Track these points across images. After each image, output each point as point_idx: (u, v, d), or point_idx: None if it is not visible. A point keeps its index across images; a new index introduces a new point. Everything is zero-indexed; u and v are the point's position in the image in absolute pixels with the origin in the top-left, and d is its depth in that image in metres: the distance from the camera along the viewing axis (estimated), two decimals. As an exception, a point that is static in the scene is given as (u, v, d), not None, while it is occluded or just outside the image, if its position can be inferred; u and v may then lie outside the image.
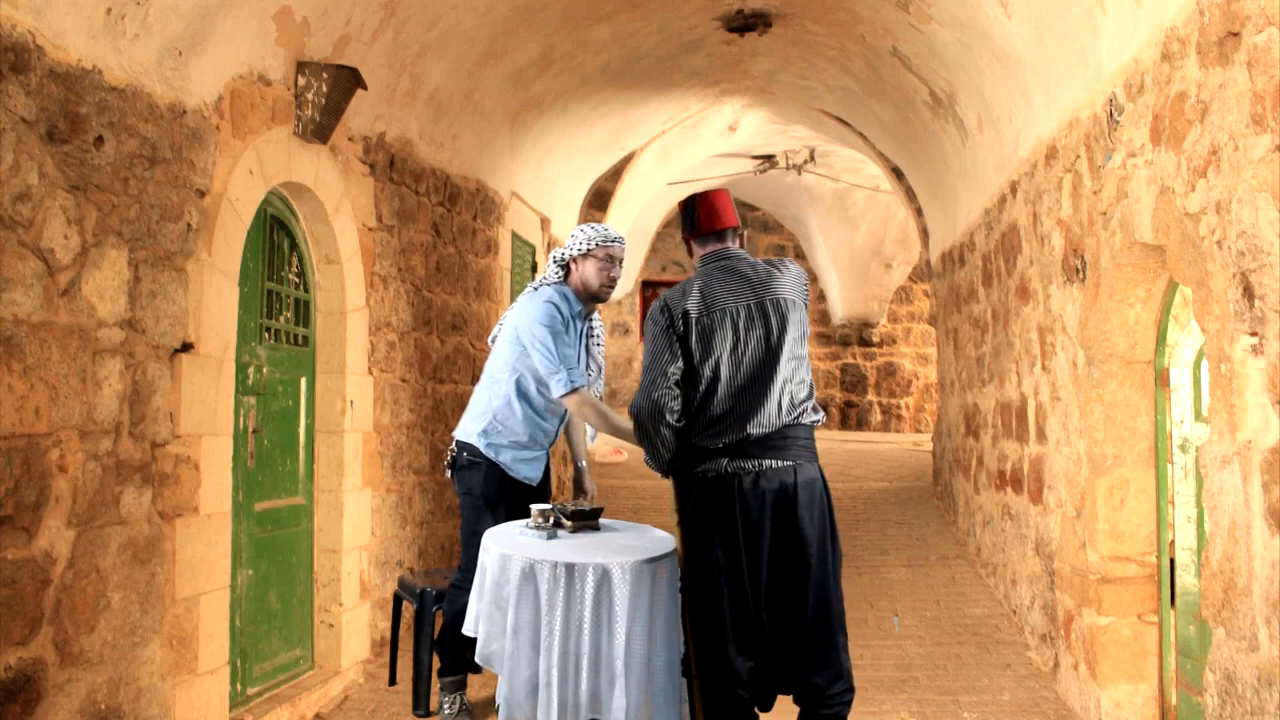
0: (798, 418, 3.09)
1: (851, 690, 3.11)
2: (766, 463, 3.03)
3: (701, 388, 3.05)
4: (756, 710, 3.14)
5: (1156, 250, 3.48)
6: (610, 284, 3.89)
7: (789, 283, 3.14)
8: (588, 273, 3.86)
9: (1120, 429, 3.85)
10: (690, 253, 3.29)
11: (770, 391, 3.05)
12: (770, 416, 3.04)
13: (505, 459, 3.89)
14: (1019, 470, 5.16)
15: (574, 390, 3.65)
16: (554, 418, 3.98)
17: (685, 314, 3.05)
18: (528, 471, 3.94)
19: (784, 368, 3.07)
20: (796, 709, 3.15)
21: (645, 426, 3.08)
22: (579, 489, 4.22)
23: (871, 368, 13.75)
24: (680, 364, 3.04)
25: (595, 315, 4.05)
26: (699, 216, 3.21)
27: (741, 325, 3.05)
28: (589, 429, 4.30)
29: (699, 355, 3.04)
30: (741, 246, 3.25)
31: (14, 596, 2.64)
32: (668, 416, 3.05)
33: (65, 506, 2.83)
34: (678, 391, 3.05)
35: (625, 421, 3.70)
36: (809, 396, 3.15)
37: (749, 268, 3.14)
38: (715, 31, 6.30)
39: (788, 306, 3.09)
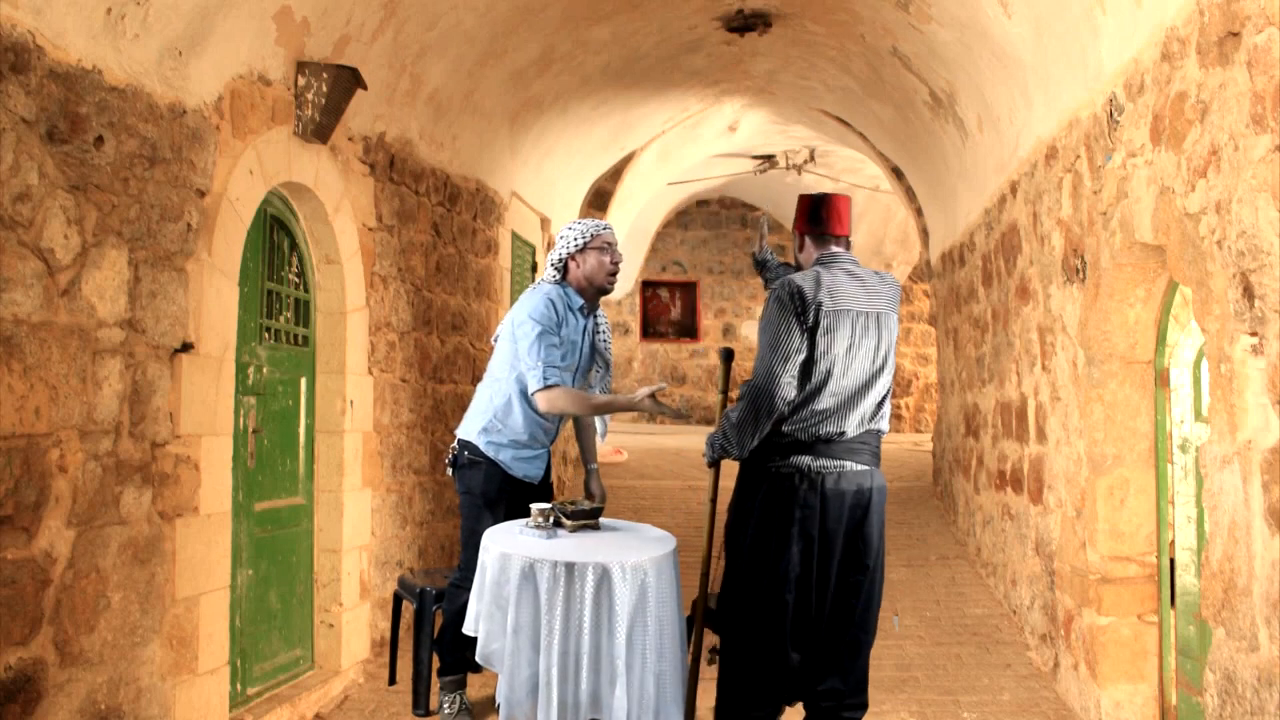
0: (877, 425, 3.15)
1: (864, 706, 3.16)
2: (847, 464, 3.06)
3: (813, 382, 3.04)
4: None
5: (1156, 250, 3.48)
6: (614, 271, 3.87)
7: (892, 297, 3.18)
8: (590, 265, 3.84)
9: (1120, 429, 3.85)
10: (800, 247, 3.29)
11: (868, 397, 3.09)
12: (855, 422, 3.08)
13: (505, 457, 3.89)
14: (1019, 470, 5.16)
15: (546, 387, 3.65)
16: (554, 416, 3.98)
17: (819, 307, 3.01)
18: (528, 470, 3.94)
19: (883, 377, 3.12)
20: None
21: (757, 411, 3.02)
22: (588, 492, 4.22)
23: (871, 368, 13.76)
24: (804, 355, 3.01)
25: (601, 313, 4.04)
26: (825, 216, 3.22)
27: (858, 330, 3.06)
28: (599, 427, 4.30)
29: (821, 350, 3.02)
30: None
31: (14, 596, 2.64)
32: (781, 406, 3.01)
33: (65, 506, 2.83)
34: (796, 383, 3.02)
35: (602, 398, 3.77)
36: (889, 406, 3.21)
37: (865, 275, 3.17)
38: (715, 31, 6.30)
39: (893, 321, 3.15)
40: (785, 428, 3.06)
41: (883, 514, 3.15)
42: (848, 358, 3.04)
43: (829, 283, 3.05)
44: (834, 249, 3.20)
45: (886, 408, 3.18)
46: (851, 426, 3.07)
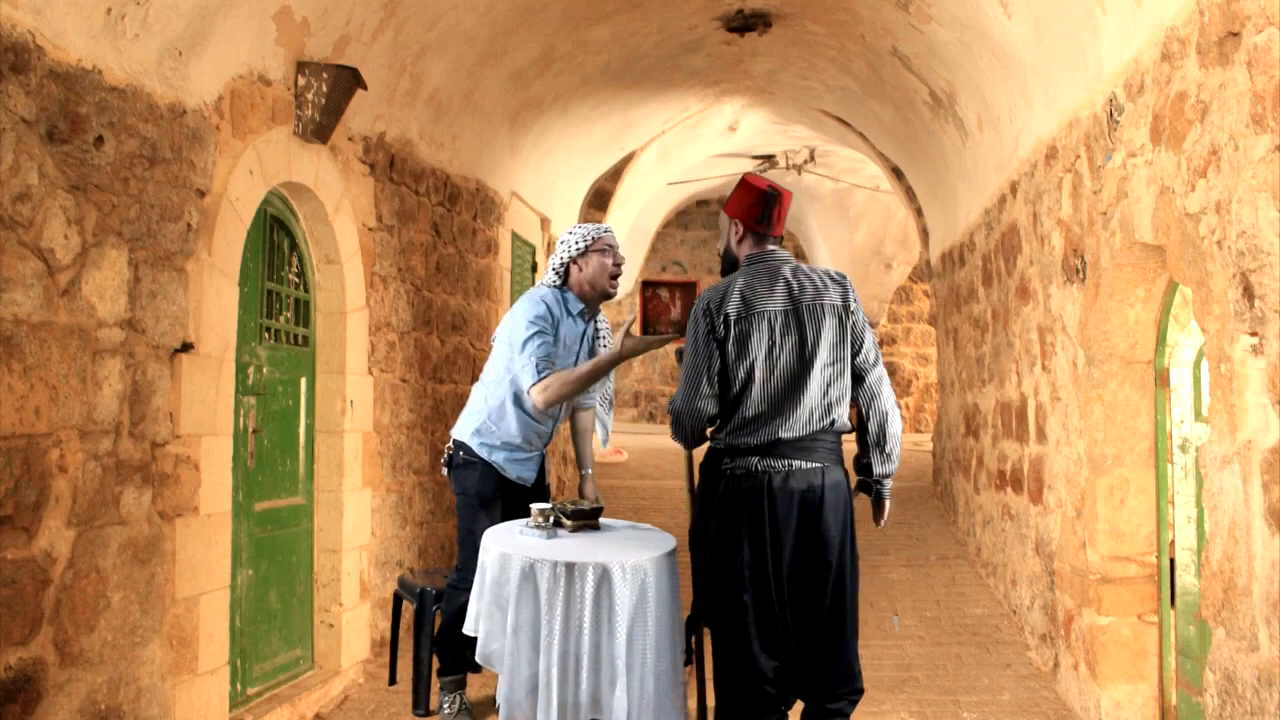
0: (830, 424, 3.11)
1: (858, 691, 3.15)
2: (796, 463, 3.05)
3: (735, 389, 3.05)
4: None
5: (1156, 250, 3.48)
6: (617, 273, 3.87)
7: (832, 292, 3.13)
8: (592, 268, 3.82)
9: (1120, 429, 3.85)
10: (738, 237, 3.23)
11: (804, 396, 3.05)
12: (802, 421, 3.06)
13: (498, 459, 3.90)
14: (1019, 470, 5.16)
15: (538, 381, 3.60)
16: (549, 420, 3.97)
17: (726, 317, 3.05)
18: (520, 472, 3.94)
19: (819, 374, 3.07)
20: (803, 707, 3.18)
21: (682, 428, 3.17)
22: (581, 495, 4.23)
23: (871, 368, 13.75)
24: (720, 367, 3.06)
25: (601, 316, 4.04)
26: (774, 219, 3.19)
27: (778, 329, 3.04)
28: (600, 434, 4.29)
29: (734, 356, 3.04)
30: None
31: (14, 596, 2.64)
32: (702, 421, 3.13)
33: (65, 506, 2.83)
34: (716, 395, 3.08)
35: (586, 365, 3.64)
36: (844, 405, 3.15)
37: (791, 273, 3.13)
38: (715, 31, 6.30)
39: (824, 313, 3.08)
40: (726, 436, 3.09)
41: (842, 510, 3.10)
42: (770, 359, 3.03)
43: (744, 287, 3.07)
44: (769, 247, 3.20)
45: (843, 407, 3.14)
46: (798, 426, 3.04)
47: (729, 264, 3.29)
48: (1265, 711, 2.51)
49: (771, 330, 3.04)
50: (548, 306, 3.76)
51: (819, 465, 3.07)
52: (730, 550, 3.05)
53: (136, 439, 3.14)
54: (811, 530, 3.05)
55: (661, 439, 12.10)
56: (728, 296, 3.07)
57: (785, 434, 3.04)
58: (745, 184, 3.25)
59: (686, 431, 3.17)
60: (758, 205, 3.20)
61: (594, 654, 2.98)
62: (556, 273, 3.89)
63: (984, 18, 4.51)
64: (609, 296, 3.90)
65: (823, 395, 3.08)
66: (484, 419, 3.89)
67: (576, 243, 3.83)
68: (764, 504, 3.02)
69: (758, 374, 3.03)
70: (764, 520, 3.02)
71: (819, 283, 3.13)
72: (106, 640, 3.00)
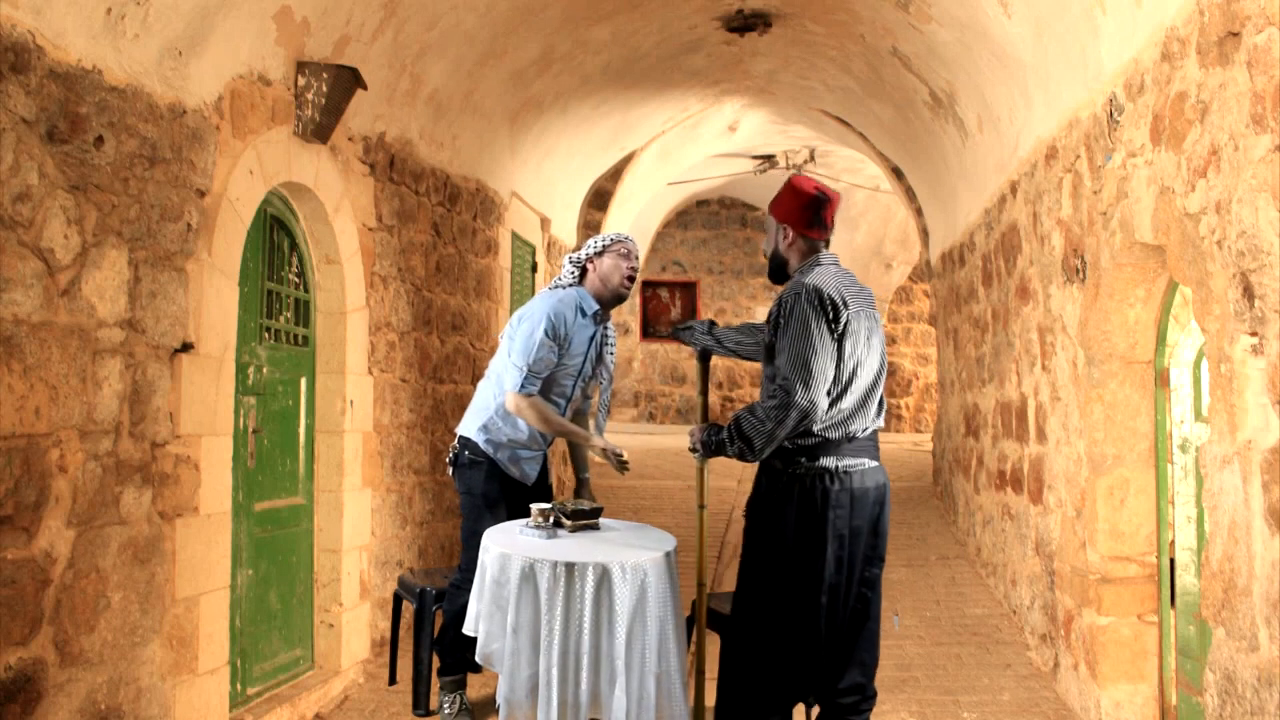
0: (880, 423, 3.17)
1: (875, 694, 3.19)
2: (866, 461, 3.07)
3: (839, 385, 2.99)
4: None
5: (1156, 250, 3.48)
6: (631, 276, 3.93)
7: (872, 298, 3.20)
8: (606, 268, 3.89)
9: (1120, 429, 3.85)
10: (788, 242, 3.15)
11: (875, 396, 3.09)
12: (869, 420, 3.09)
13: (503, 456, 3.91)
14: (1019, 470, 5.16)
15: (526, 394, 3.76)
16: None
17: (845, 312, 2.96)
18: (524, 470, 3.97)
19: (882, 378, 3.13)
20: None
21: (795, 425, 2.89)
22: (578, 498, 4.24)
23: (871, 368, 13.76)
24: (836, 362, 2.97)
25: (609, 321, 4.06)
26: (824, 218, 3.14)
27: (865, 329, 3.04)
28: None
29: (847, 353, 2.98)
30: None
31: (14, 596, 2.64)
32: (818, 422, 2.95)
33: (65, 506, 2.83)
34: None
35: (568, 425, 3.90)
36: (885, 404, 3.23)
37: (851, 274, 3.17)
38: (715, 31, 6.30)
39: (878, 321, 3.16)
40: (815, 428, 3.01)
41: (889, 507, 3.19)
42: (864, 358, 3.05)
43: (839, 283, 3.04)
44: (824, 251, 3.18)
45: (885, 405, 3.21)
46: (868, 425, 3.09)
47: (777, 266, 3.22)
48: (1265, 711, 2.51)
49: (863, 329, 3.04)
50: (565, 320, 3.81)
51: (878, 463, 3.13)
52: (811, 552, 3.00)
53: (136, 439, 3.14)
54: (876, 527, 3.11)
55: (662, 439, 12.08)
56: (842, 289, 3.01)
57: (860, 433, 3.06)
58: (793, 187, 3.15)
59: (784, 426, 2.89)
60: (808, 209, 3.12)
61: (594, 654, 2.98)
62: (575, 267, 3.94)
63: (984, 18, 4.51)
64: (621, 299, 3.96)
65: (880, 395, 3.14)
66: (490, 415, 3.91)
67: (595, 244, 3.92)
68: (848, 503, 3.02)
69: (856, 369, 3.02)
70: (846, 520, 3.02)
71: (867, 288, 3.19)
72: (106, 640, 3.00)
